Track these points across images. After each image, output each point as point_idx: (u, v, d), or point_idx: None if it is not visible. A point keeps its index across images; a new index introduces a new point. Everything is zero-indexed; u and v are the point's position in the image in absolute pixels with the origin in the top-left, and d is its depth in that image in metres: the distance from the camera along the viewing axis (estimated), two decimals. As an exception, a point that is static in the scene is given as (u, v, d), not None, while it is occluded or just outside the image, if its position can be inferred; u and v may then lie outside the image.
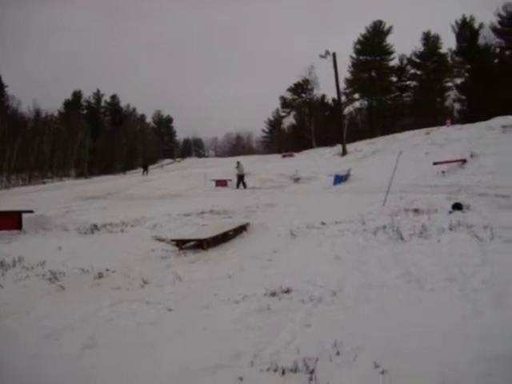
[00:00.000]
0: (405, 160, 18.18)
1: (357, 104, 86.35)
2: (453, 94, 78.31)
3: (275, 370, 3.90)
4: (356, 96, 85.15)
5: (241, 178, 30.08)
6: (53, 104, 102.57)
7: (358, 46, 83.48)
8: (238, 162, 31.53)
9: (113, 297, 6.25)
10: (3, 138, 67.65)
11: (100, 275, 7.43)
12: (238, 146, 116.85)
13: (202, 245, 9.64)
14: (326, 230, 10.67)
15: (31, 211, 13.53)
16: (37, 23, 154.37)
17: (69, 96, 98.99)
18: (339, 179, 26.01)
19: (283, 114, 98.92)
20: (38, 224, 13.28)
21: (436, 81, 76.56)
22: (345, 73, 79.88)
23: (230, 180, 30.76)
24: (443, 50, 77.15)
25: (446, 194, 15.50)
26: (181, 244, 9.76)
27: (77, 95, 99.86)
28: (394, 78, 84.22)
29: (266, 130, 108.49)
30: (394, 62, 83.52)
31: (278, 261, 8.12)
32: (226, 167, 37.98)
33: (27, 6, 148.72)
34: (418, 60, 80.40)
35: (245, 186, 29.47)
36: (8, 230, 12.45)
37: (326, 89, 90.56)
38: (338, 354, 4.09)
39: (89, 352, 4.50)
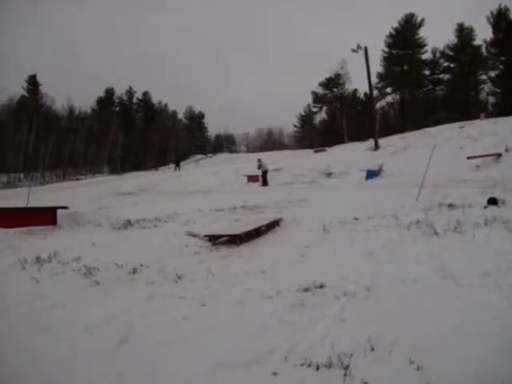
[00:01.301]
0: (438, 154, 17.93)
1: (389, 98, 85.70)
2: (487, 87, 77.25)
3: (309, 366, 3.87)
4: (388, 90, 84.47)
5: (264, 175, 29.66)
6: (86, 101, 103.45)
7: (390, 40, 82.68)
8: (260, 160, 31.63)
9: (147, 292, 6.28)
10: (38, 136, 68.77)
11: (134, 270, 7.48)
12: (269, 142, 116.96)
13: (234, 240, 9.65)
14: (358, 225, 10.61)
15: (66, 207, 13.73)
16: (70, 21, 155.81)
17: (101, 93, 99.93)
18: (371, 174, 25.90)
19: (315, 109, 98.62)
20: (72, 220, 13.46)
21: (470, 74, 75.43)
22: (377, 67, 79.30)
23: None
24: (477, 41, 75.81)
25: (480, 189, 15.31)
26: (214, 239, 9.79)
27: (109, 92, 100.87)
28: (427, 72, 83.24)
29: (298, 125, 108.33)
30: (427, 55, 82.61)
31: (311, 256, 8.09)
32: (256, 162, 37.98)
33: (59, 4, 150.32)
34: (451, 53, 79.31)
35: (265, 182, 29.43)
36: (43, 225, 12.64)
37: (358, 83, 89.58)
38: (372, 349, 4.05)
39: (124, 346, 4.54)
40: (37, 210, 13.58)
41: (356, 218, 11.36)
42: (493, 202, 11.77)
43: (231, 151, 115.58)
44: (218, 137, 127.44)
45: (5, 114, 74.83)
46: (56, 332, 4.98)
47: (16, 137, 67.39)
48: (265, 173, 30.03)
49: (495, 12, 70.90)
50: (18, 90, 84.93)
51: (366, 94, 79.27)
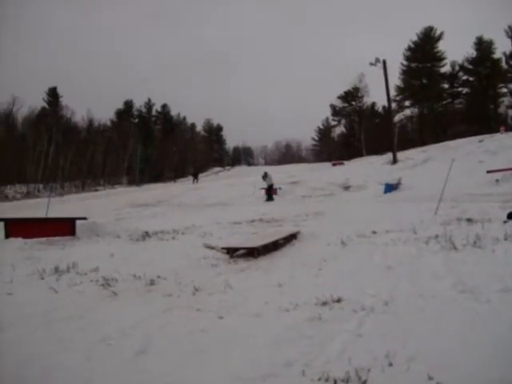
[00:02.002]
0: (457, 168, 17.85)
1: (407, 111, 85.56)
2: (507, 100, 76.79)
3: (326, 380, 3.84)
4: (407, 103, 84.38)
5: (269, 189, 28.98)
6: (105, 113, 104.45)
7: (409, 53, 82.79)
8: (266, 172, 30.44)
9: (164, 303, 6.30)
10: (57, 147, 69.51)
11: (152, 282, 7.51)
12: (287, 155, 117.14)
13: (252, 253, 9.65)
14: (376, 238, 10.58)
15: (84, 218, 13.82)
16: (91, 35, 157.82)
17: (121, 105, 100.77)
18: (390, 188, 25.79)
19: (333, 122, 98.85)
20: (90, 231, 13.56)
21: (489, 87, 75.16)
22: (395, 80, 79.18)
23: (280, 188, 30.63)
24: (497, 55, 75.63)
25: (500, 203, 15.18)
26: (231, 252, 9.79)
27: (128, 104, 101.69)
28: (446, 85, 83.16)
29: (316, 138, 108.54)
30: (446, 69, 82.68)
31: (329, 270, 8.06)
32: (274, 175, 37.98)
33: (80, 16, 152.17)
34: (470, 66, 79.15)
35: (270, 197, 28.32)
36: (62, 236, 12.76)
37: (377, 96, 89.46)
38: (390, 364, 4.01)
39: (141, 358, 4.54)
40: (56, 220, 13.71)
41: (374, 232, 11.33)
42: (513, 216, 11.66)
43: (249, 164, 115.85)
44: (235, 149, 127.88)
45: (25, 126, 75.86)
46: (73, 343, 4.99)
47: (36, 148, 68.21)
48: (270, 187, 29.07)
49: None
50: (38, 101, 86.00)
51: (384, 107, 79.00)
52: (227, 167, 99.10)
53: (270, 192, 28.67)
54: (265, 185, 29.48)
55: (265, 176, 29.81)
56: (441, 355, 4.14)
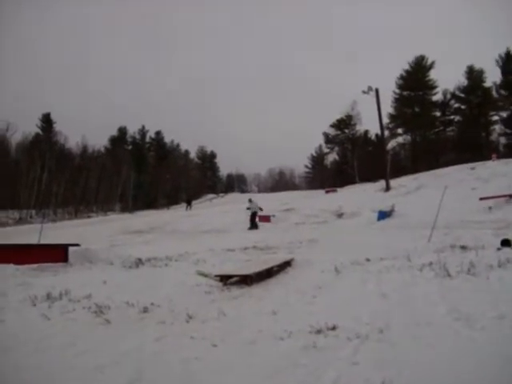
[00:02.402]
0: (450, 195, 17.92)
1: (400, 139, 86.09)
2: (498, 127, 77.61)
3: (321, 409, 3.83)
4: (399, 131, 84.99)
5: (253, 217, 28.01)
6: (99, 140, 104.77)
7: (401, 82, 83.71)
8: (250, 199, 29.69)
9: (158, 331, 6.25)
10: (51, 173, 69.53)
11: (145, 309, 7.45)
12: (280, 182, 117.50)
13: (246, 280, 9.59)
14: (370, 266, 10.54)
15: (77, 245, 13.77)
16: (84, 59, 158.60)
17: (115, 132, 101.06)
18: (383, 215, 25.85)
19: (326, 149, 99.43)
20: (83, 257, 13.49)
21: (480, 115, 75.99)
22: (388, 108, 79.79)
23: (274, 216, 30.62)
24: (487, 83, 76.63)
25: (493, 230, 15.23)
26: (225, 279, 9.73)
27: (122, 131, 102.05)
28: (438, 113, 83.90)
29: (309, 165, 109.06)
30: (438, 97, 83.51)
31: (323, 297, 8.02)
32: (268, 203, 38.03)
33: (74, 41, 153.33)
34: (461, 94, 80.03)
35: (254, 225, 27.54)
36: (55, 262, 12.66)
37: (369, 124, 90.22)
38: (386, 393, 4.00)
39: (135, 386, 4.51)
40: (48, 246, 13.63)
41: (368, 259, 11.30)
42: (506, 243, 11.69)
43: (242, 191, 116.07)
44: (229, 176, 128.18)
45: (19, 152, 75.92)
46: (66, 371, 4.95)
47: (29, 174, 68.20)
48: (254, 214, 28.03)
49: (503, 55, 72.17)
50: (32, 127, 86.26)
51: (377, 134, 79.53)
52: (221, 194, 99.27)
53: (253, 219, 27.95)
54: (249, 212, 28.64)
55: (249, 202, 29.03)
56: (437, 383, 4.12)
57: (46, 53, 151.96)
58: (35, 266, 12.00)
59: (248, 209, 28.63)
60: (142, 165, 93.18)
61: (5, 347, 5.75)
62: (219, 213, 37.88)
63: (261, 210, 28.89)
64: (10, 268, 11.50)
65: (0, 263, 11.99)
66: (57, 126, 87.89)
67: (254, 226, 27.36)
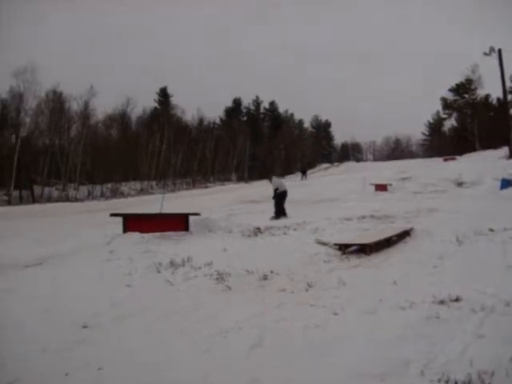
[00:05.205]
0: None
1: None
2: None
3: (447, 382, 3.71)
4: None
5: (280, 199, 18.52)
6: (215, 112, 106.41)
7: (528, 41, 78.55)
8: (272, 178, 20.42)
9: (278, 299, 6.33)
10: (169, 146, 71.79)
11: (265, 277, 7.56)
12: (396, 150, 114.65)
13: (364, 250, 9.47)
14: (495, 236, 10.06)
15: (198, 214, 14.09)
16: (197, 32, 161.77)
17: (229, 103, 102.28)
18: (507, 183, 24.57)
19: (444, 115, 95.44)
20: (203, 226, 13.80)
21: None
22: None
23: (391, 184, 29.89)
24: None
25: None
26: (344, 248, 9.65)
27: (237, 102, 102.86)
28: None
29: (426, 132, 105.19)
30: None
31: (444, 268, 7.77)
32: (384, 171, 37.32)
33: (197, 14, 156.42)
34: None
35: (282, 212, 18.13)
36: (176, 231, 13.05)
37: (491, 88, 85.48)
38: (516, 369, 3.81)
39: (256, 351, 4.59)
40: (170, 216, 14.05)
41: (491, 230, 10.79)
42: None
43: (357, 160, 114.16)
44: (344, 145, 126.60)
45: (139, 126, 78.89)
46: (191, 334, 5.13)
47: (149, 146, 70.76)
48: (279, 197, 18.54)
49: None
50: (150, 101, 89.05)
51: (499, 99, 75.46)
52: (336, 163, 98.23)
53: (281, 202, 18.55)
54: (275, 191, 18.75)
55: (272, 180, 19.78)
56: None
57: (165, 25, 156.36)
58: (158, 234, 12.45)
59: (276, 190, 18.66)
60: (256, 135, 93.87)
61: (133, 311, 6.03)
62: (334, 182, 37.62)
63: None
64: (136, 236, 12.00)
65: (126, 231, 12.59)
66: (174, 100, 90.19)
67: (281, 212, 18.09)
